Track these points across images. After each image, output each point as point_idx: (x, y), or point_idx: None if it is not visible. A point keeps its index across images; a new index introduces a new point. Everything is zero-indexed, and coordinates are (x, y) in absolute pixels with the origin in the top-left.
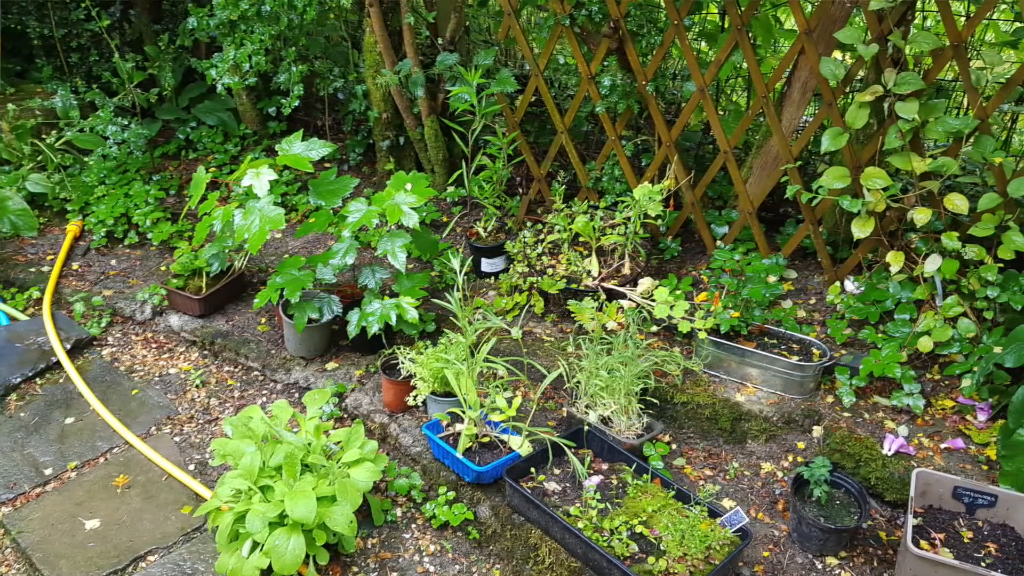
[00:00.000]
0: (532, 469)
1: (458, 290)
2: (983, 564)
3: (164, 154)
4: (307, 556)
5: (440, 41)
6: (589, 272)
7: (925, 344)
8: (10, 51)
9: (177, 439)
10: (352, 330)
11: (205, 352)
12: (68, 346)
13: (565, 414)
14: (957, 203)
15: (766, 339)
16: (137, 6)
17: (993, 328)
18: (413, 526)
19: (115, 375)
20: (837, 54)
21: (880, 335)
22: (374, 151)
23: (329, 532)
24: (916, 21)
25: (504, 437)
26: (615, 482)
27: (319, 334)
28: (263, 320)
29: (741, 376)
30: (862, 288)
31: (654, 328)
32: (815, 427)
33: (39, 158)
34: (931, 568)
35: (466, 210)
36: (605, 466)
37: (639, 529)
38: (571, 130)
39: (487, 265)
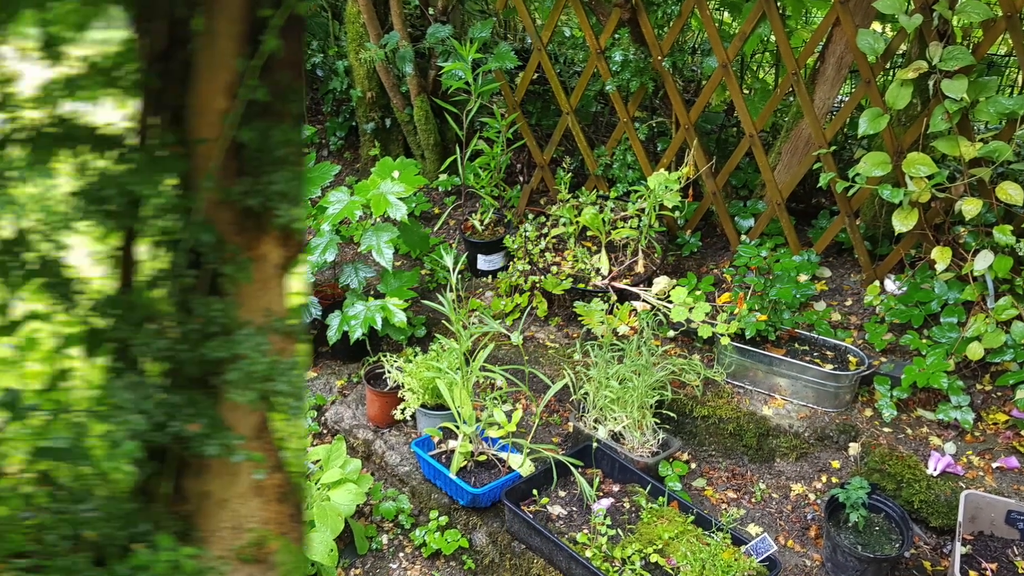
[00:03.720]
0: (534, 491)
1: (451, 290)
2: None
3: None
4: None
5: (431, 11)
6: (598, 270)
7: (975, 351)
8: None
9: None
10: (332, 335)
11: None
12: None
13: (571, 429)
14: (1011, 193)
15: (796, 345)
16: None
17: None
18: (401, 555)
19: None
20: (876, 26)
21: (924, 341)
22: (357, 135)
23: (307, 562)
24: None
25: (503, 455)
26: (627, 506)
27: None
28: None
29: (768, 387)
30: (904, 288)
31: (671, 333)
32: (852, 444)
33: None
34: None
35: (460, 201)
36: (616, 488)
37: (654, 558)
38: (578, 111)
39: (484, 262)
